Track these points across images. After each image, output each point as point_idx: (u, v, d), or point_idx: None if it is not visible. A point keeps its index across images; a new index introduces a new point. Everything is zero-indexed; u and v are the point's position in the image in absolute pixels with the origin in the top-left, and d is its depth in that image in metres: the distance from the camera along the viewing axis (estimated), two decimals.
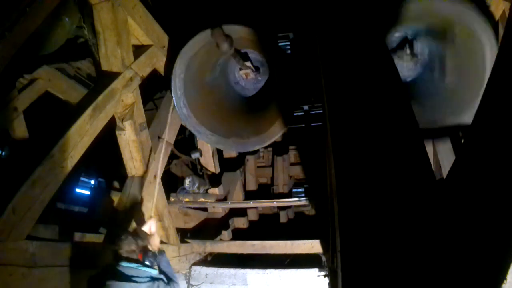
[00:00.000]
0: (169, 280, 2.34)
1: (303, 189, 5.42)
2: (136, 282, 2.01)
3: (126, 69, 2.95)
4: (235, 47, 3.14)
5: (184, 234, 4.32)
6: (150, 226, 2.54)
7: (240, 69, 3.76)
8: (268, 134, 3.53)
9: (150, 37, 3.33)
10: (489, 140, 1.20)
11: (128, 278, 2.01)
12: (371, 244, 1.06)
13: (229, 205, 4.39)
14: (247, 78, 3.89)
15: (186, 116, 3.52)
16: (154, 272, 2.16)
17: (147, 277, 2.07)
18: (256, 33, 3.15)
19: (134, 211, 3.03)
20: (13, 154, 3.94)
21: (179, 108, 3.47)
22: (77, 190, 5.13)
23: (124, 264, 2.05)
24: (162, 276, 2.20)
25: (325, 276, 3.70)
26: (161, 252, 2.53)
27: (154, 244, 2.52)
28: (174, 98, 3.40)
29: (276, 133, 3.52)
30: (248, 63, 3.58)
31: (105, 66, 2.93)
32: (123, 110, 3.01)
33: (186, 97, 3.48)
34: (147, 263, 2.14)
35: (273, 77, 3.77)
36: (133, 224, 2.88)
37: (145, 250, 2.18)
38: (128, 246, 2.10)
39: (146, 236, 2.30)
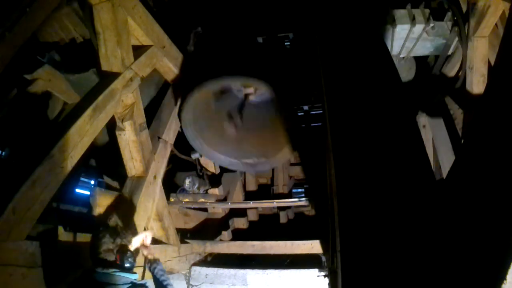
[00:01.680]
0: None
1: (303, 189, 5.42)
2: None
3: (126, 69, 2.95)
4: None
5: (184, 235, 4.33)
6: (144, 238, 2.35)
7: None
8: (276, 159, 3.86)
9: (150, 37, 3.32)
10: (489, 140, 1.20)
11: (102, 287, 1.83)
12: (371, 244, 1.06)
13: (229, 205, 4.39)
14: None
15: (200, 147, 3.86)
16: (134, 277, 1.96)
17: (126, 283, 1.89)
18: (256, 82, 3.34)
19: (134, 211, 3.03)
20: (13, 154, 3.93)
21: (195, 144, 3.83)
22: (77, 190, 5.12)
23: (99, 270, 1.87)
24: (145, 282, 2.03)
25: (325, 276, 3.70)
26: (156, 261, 2.37)
27: (150, 254, 2.39)
28: (189, 140, 3.75)
29: (284, 158, 3.88)
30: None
31: (105, 66, 2.93)
32: (123, 110, 3.01)
33: (198, 132, 3.78)
34: (126, 265, 1.93)
35: (277, 104, 3.80)
36: (114, 219, 2.76)
37: (123, 250, 1.95)
38: (105, 245, 1.90)
39: (127, 236, 2.06)
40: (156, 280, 2.30)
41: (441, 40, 3.55)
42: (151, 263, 2.38)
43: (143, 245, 2.37)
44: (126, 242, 2.01)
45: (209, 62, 3.81)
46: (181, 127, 3.83)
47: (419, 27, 3.39)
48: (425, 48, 3.64)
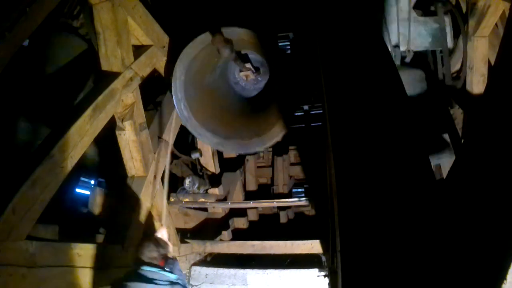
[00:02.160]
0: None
1: (303, 189, 5.42)
2: (158, 284, 2.14)
3: (126, 69, 2.95)
4: (235, 49, 3.14)
5: (184, 234, 4.33)
6: (162, 234, 2.66)
7: (241, 71, 3.76)
8: (269, 136, 3.52)
9: (150, 37, 3.32)
10: (489, 140, 1.20)
11: (150, 280, 2.14)
12: (371, 244, 1.06)
13: (229, 205, 4.39)
14: (247, 79, 3.89)
15: (187, 118, 3.52)
16: (173, 277, 2.27)
17: (167, 280, 2.19)
18: (255, 35, 3.15)
19: (134, 211, 3.03)
20: (13, 154, 3.94)
21: (180, 110, 3.47)
22: (77, 190, 5.12)
23: (146, 268, 2.18)
24: (180, 281, 2.31)
25: (325, 276, 3.70)
26: (175, 259, 2.62)
27: (167, 252, 2.61)
28: (174, 100, 3.40)
29: (277, 134, 3.50)
30: (248, 65, 3.58)
31: (105, 66, 2.93)
32: (123, 110, 3.01)
33: (187, 99, 3.47)
34: (167, 269, 2.26)
35: (273, 78, 3.77)
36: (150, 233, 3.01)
37: (166, 258, 2.33)
38: (150, 253, 2.24)
39: (166, 245, 2.44)
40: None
41: (433, 24, 3.53)
42: (168, 262, 2.56)
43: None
44: (167, 252, 2.40)
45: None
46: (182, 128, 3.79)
47: (404, 2, 3.44)
48: (422, 37, 3.62)
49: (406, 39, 3.61)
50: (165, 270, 2.25)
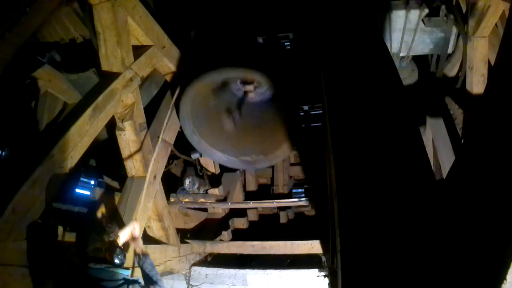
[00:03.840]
0: (153, 284, 2.18)
1: (303, 190, 5.42)
2: (107, 287, 1.84)
3: (126, 69, 2.95)
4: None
5: (184, 235, 4.32)
6: (133, 230, 2.33)
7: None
8: (275, 156, 3.79)
9: (150, 37, 3.32)
10: (489, 140, 1.20)
11: (96, 283, 1.82)
12: (371, 244, 1.06)
13: (229, 205, 4.39)
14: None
15: (197, 143, 3.80)
16: (127, 273, 1.98)
17: (118, 280, 1.90)
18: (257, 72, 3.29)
19: (134, 211, 3.03)
20: (13, 154, 3.94)
21: (193, 140, 3.79)
22: (77, 190, 5.12)
23: (92, 265, 1.87)
24: (137, 278, 2.03)
25: (325, 276, 3.70)
26: (145, 255, 2.36)
27: (138, 247, 2.37)
28: (186, 133, 3.71)
29: (282, 154, 3.79)
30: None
31: (105, 66, 2.93)
32: (123, 110, 3.01)
33: (196, 127, 3.72)
34: (116, 261, 1.91)
35: (278, 100, 3.79)
36: (101, 218, 2.71)
37: (111, 248, 1.94)
38: (92, 245, 1.91)
39: (113, 230, 2.05)
40: (145, 275, 2.27)
41: (439, 33, 3.53)
42: (139, 257, 2.36)
43: (132, 238, 2.34)
44: (114, 237, 2.00)
45: (208, 55, 3.76)
46: (181, 126, 3.81)
47: (414, 14, 3.39)
48: (424, 44, 3.63)
49: (408, 46, 3.63)
50: (115, 265, 1.89)
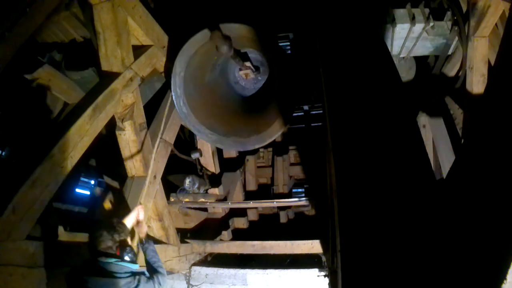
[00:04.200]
0: (154, 271, 2.31)
1: (303, 189, 5.43)
2: (116, 277, 1.95)
3: (126, 69, 2.95)
4: (235, 47, 3.13)
5: (184, 234, 4.32)
6: (138, 213, 2.50)
7: (240, 69, 3.76)
8: (268, 133, 3.52)
9: (150, 37, 3.32)
10: (489, 140, 1.20)
11: (107, 273, 1.95)
12: (371, 244, 1.06)
13: (229, 205, 4.39)
14: (247, 78, 3.89)
15: (186, 115, 3.52)
16: (135, 267, 2.08)
17: (126, 272, 2.01)
18: (255, 32, 3.14)
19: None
20: (13, 154, 3.94)
21: (179, 107, 3.47)
22: (77, 190, 5.13)
23: (102, 259, 1.98)
24: (143, 270, 2.15)
25: (325, 276, 3.70)
26: (148, 240, 2.50)
27: (141, 232, 2.52)
28: (173, 96, 3.40)
29: (276, 131, 3.51)
30: (248, 64, 3.58)
31: (105, 66, 2.93)
32: (123, 110, 3.01)
33: (186, 95, 3.47)
34: (126, 258, 2.04)
35: (273, 76, 3.77)
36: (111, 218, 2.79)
37: (122, 245, 2.06)
38: (104, 243, 2.01)
39: (124, 229, 2.16)
40: (148, 261, 2.42)
41: (441, 39, 3.55)
42: (143, 243, 2.51)
43: (136, 222, 2.51)
44: (124, 236, 2.11)
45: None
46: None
47: (419, 27, 3.39)
48: (425, 47, 3.65)
49: (408, 50, 3.64)
50: (124, 261, 2.03)
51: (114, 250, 2.01)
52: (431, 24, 3.37)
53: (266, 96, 3.80)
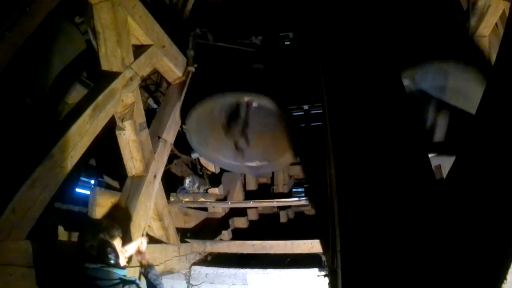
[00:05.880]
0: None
1: (303, 189, 5.42)
2: (101, 286, 1.87)
3: (126, 69, 2.95)
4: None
5: (184, 234, 4.33)
6: (140, 244, 2.49)
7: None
8: (278, 163, 4.02)
9: (150, 37, 3.32)
10: (489, 140, 1.20)
11: (93, 281, 1.87)
12: (371, 244, 1.06)
13: (229, 205, 4.39)
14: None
15: (205, 154, 4.00)
16: (123, 273, 2.00)
17: (114, 278, 1.92)
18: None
19: (134, 211, 3.03)
20: (13, 154, 3.93)
21: (198, 150, 3.97)
22: (77, 190, 5.13)
23: (88, 265, 1.92)
24: (135, 279, 2.05)
25: (325, 276, 3.70)
26: (151, 266, 2.47)
27: (144, 259, 2.50)
28: (192, 146, 3.88)
29: (285, 162, 4.00)
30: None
31: (105, 66, 2.93)
32: (123, 110, 3.01)
33: (202, 138, 3.86)
34: (111, 261, 1.96)
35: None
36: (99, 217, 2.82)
37: (104, 246, 1.97)
38: (87, 242, 1.96)
39: (112, 231, 2.07)
40: (150, 285, 2.40)
41: None
42: (145, 268, 2.50)
43: (138, 251, 2.51)
44: (108, 237, 2.02)
45: (211, 75, 3.84)
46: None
47: None
48: None
49: None
50: (110, 265, 1.93)
51: (95, 250, 1.94)
52: None
53: (275, 126, 3.91)
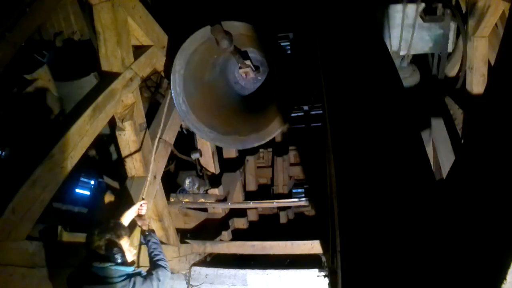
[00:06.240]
0: (154, 266, 2.31)
1: (303, 190, 5.42)
2: (110, 283, 1.94)
3: (126, 69, 2.95)
4: (235, 44, 3.13)
5: (184, 235, 4.33)
6: (140, 208, 2.56)
7: (240, 68, 3.76)
8: (267, 131, 3.51)
9: (150, 37, 3.33)
10: (489, 140, 1.20)
11: (103, 279, 1.94)
12: (371, 244, 1.06)
13: (229, 205, 4.39)
14: (247, 77, 3.89)
15: (185, 113, 3.51)
16: (130, 269, 2.06)
17: (122, 275, 1.99)
18: (255, 31, 3.15)
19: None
20: (13, 154, 3.93)
21: (178, 105, 3.47)
22: (77, 190, 5.12)
23: (96, 264, 1.98)
24: (140, 270, 2.13)
25: (325, 276, 3.70)
26: (150, 233, 2.53)
27: (144, 224, 2.57)
28: (173, 94, 3.38)
29: (275, 129, 3.51)
30: (248, 62, 3.58)
31: (105, 66, 2.93)
32: (123, 110, 3.01)
33: (186, 93, 3.47)
34: (118, 260, 2.01)
35: (272, 75, 3.77)
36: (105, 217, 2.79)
37: (111, 246, 2.01)
38: (94, 243, 2.00)
39: (119, 231, 2.12)
40: (150, 255, 2.42)
41: (438, 29, 3.53)
42: (145, 235, 2.53)
43: (138, 216, 2.56)
44: (115, 237, 2.06)
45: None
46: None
47: (411, 8, 3.41)
48: (424, 41, 3.63)
49: (407, 44, 3.62)
50: (117, 264, 1.99)
51: (103, 250, 1.99)
52: (422, 4, 3.39)
53: (266, 95, 3.80)
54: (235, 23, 3.07)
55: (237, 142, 3.70)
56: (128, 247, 2.14)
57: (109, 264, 1.98)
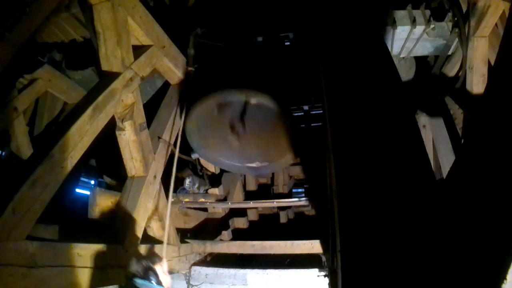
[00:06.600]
0: None
1: (303, 189, 5.42)
2: None
3: (126, 69, 2.95)
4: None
5: (184, 234, 4.32)
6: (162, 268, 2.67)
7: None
8: (278, 164, 3.99)
9: (150, 37, 3.32)
10: (489, 140, 1.20)
11: None
12: (371, 244, 1.06)
13: (229, 205, 4.39)
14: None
15: (205, 155, 3.98)
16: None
17: None
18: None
19: (134, 211, 3.03)
20: (13, 154, 3.94)
21: (199, 151, 3.96)
22: (77, 190, 5.12)
23: (138, 281, 2.18)
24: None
25: (325, 276, 3.70)
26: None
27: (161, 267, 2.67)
28: (193, 146, 3.84)
29: (286, 163, 3.95)
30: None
31: (105, 66, 2.93)
32: (123, 110, 3.01)
33: (202, 140, 3.81)
34: (153, 282, 2.24)
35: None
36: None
37: (148, 271, 2.27)
38: (133, 268, 2.23)
39: (153, 257, 2.39)
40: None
41: (441, 40, 3.55)
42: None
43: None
44: (150, 263, 2.31)
45: (210, 74, 3.82)
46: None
47: (419, 28, 3.39)
48: (425, 48, 3.65)
49: (408, 50, 3.64)
50: (151, 283, 2.26)
51: (140, 274, 2.21)
52: (432, 26, 3.37)
53: (275, 126, 3.88)
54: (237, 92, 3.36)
55: (252, 170, 4.19)
56: (164, 271, 2.36)
57: (149, 282, 2.21)
